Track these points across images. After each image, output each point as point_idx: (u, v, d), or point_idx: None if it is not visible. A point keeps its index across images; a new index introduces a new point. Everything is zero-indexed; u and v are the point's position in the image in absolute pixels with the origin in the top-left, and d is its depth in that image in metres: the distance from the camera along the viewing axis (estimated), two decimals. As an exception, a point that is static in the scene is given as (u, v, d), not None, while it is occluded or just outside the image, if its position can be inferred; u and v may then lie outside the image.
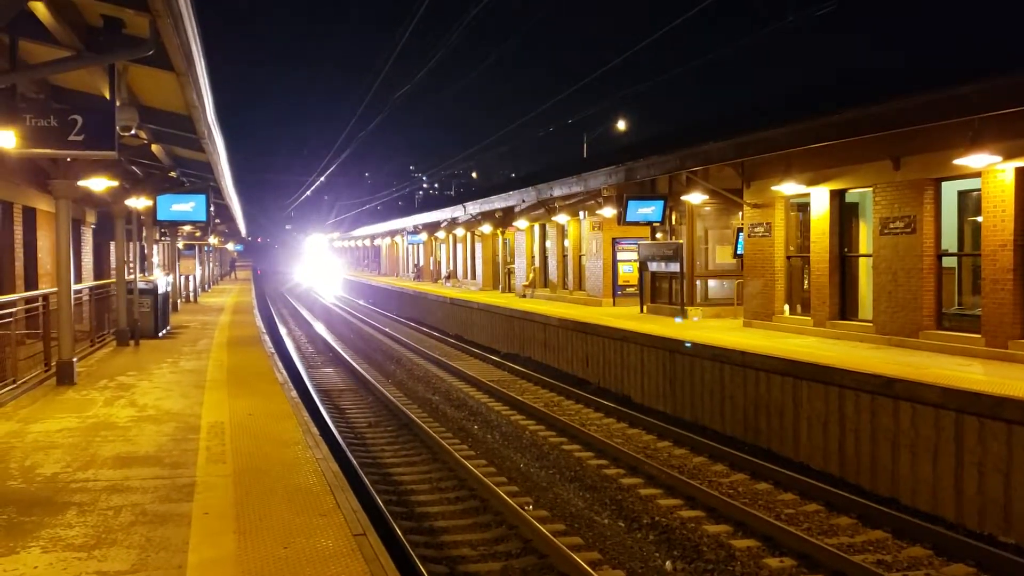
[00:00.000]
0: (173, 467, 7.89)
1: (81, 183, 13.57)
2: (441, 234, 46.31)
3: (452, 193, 57.43)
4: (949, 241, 14.71)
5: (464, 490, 11.65)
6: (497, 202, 33.77)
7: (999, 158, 12.53)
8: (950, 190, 14.59)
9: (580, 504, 11.11)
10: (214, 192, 24.75)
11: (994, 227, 12.93)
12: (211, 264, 56.12)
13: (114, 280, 19.22)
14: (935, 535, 9.57)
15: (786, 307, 18.31)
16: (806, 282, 17.88)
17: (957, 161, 12.91)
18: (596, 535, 9.93)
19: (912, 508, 10.82)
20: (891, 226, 14.90)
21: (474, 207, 37.05)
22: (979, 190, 13.33)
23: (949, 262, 14.86)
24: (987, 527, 9.91)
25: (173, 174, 19.54)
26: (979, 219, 13.51)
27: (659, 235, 23.94)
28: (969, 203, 14.60)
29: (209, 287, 50.22)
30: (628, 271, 26.38)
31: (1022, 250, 12.68)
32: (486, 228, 37.06)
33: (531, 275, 32.66)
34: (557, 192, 27.38)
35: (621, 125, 46.21)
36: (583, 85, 20.20)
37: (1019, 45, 13.20)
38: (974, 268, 14.34)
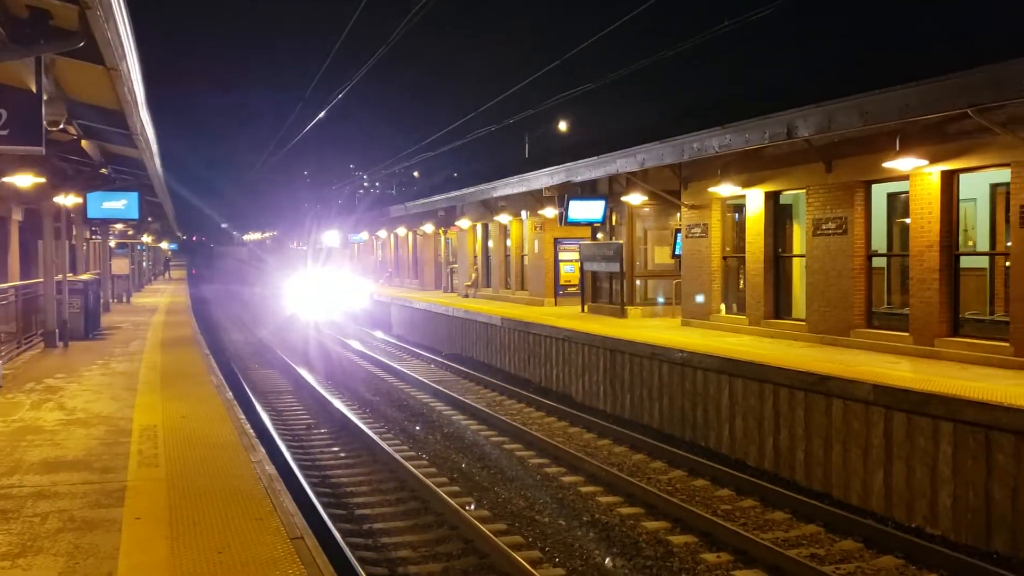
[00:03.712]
0: (103, 472, 7.68)
1: (6, 179, 13.14)
2: (383, 233, 45.98)
3: (393, 192, 56.89)
4: (879, 242, 15.10)
5: (405, 491, 11.58)
6: (440, 201, 33.67)
7: (926, 161, 12.90)
8: (880, 192, 14.97)
9: (521, 503, 11.13)
10: (147, 190, 24.20)
11: (921, 228, 13.31)
12: (145, 263, 54.87)
13: (42, 280, 18.64)
14: (866, 528, 9.82)
15: (722, 306, 18.60)
16: (742, 282, 18.18)
17: (886, 164, 13.26)
18: (537, 534, 9.97)
19: (844, 502, 11.09)
20: (823, 227, 15.24)
21: (416, 207, 36.87)
22: (907, 192, 13.71)
23: (879, 262, 15.26)
24: (915, 520, 10.20)
25: (104, 171, 19.03)
26: (907, 220, 13.89)
27: (600, 235, 24.12)
28: (898, 205, 15.01)
29: (142, 287, 49.08)
30: (570, 271, 26.55)
31: (948, 251, 13.09)
32: (428, 227, 36.90)
33: (473, 275, 32.64)
34: (499, 192, 27.41)
35: (563, 126, 46.45)
36: (525, 85, 20.23)
37: (944, 50, 13.60)
38: (902, 268, 14.74)
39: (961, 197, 13.30)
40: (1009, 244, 12.22)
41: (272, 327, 33.07)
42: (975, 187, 13.99)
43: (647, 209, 22.64)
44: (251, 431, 9.52)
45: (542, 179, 23.85)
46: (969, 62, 11.15)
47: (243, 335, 33.04)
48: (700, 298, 18.80)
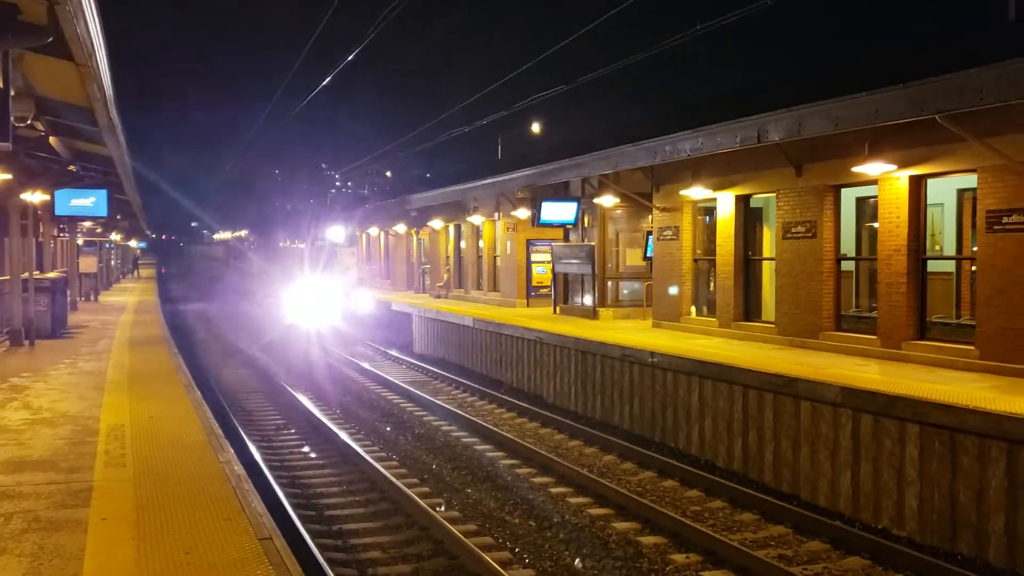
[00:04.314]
0: (69, 472, 7.59)
1: (-29, 175, 12.94)
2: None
3: (365, 192, 56.48)
4: (848, 246, 15.27)
5: (375, 492, 11.54)
6: (415, 201, 33.56)
7: (894, 166, 13.07)
8: (849, 196, 15.14)
9: (492, 504, 11.13)
10: (116, 187, 23.93)
11: (889, 232, 13.48)
12: (113, 262, 54.23)
13: (8, 277, 18.37)
14: (833, 529, 9.92)
15: (693, 308, 18.72)
16: (712, 284, 18.31)
17: (855, 168, 13.42)
18: (507, 535, 9.98)
19: (812, 504, 11.19)
20: (793, 231, 15.39)
21: (392, 207, 36.73)
22: (876, 197, 13.88)
23: (847, 266, 15.43)
24: (882, 521, 10.32)
25: (72, 168, 18.81)
26: (876, 224, 14.07)
27: (572, 237, 24.19)
28: (866, 209, 15.18)
29: (111, 286, 48.51)
30: (542, 272, 26.58)
31: (915, 255, 13.26)
32: (400, 227, 36.78)
33: (445, 275, 32.58)
34: (472, 193, 27.40)
35: (537, 128, 46.48)
36: (499, 86, 20.26)
37: (914, 58, 13.79)
38: (870, 272, 14.92)
39: (929, 202, 13.49)
40: (975, 249, 12.41)
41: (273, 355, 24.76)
42: (942, 192, 14.21)
43: (619, 211, 22.73)
44: (219, 431, 9.44)
45: (515, 180, 23.88)
46: (936, 69, 11.32)
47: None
48: (674, 290, 18.87)
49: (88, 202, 20.33)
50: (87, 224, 32.17)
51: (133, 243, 73.20)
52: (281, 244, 36.11)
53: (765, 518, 10.57)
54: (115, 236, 48.09)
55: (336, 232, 31.73)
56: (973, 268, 12.77)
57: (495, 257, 28.89)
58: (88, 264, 34.66)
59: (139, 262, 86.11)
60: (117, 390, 12.08)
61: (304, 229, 32.56)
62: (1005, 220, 11.61)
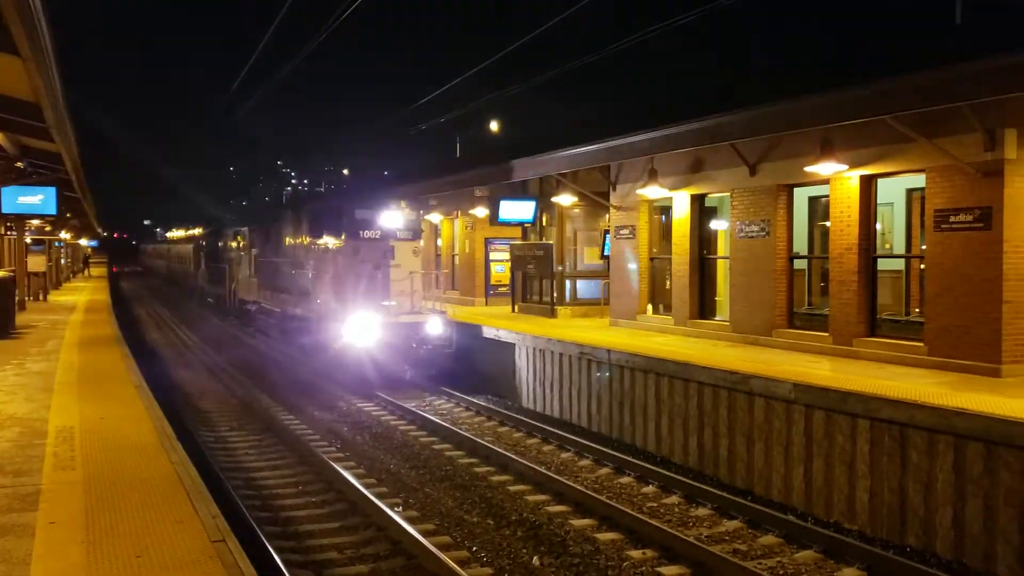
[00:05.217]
0: (16, 475, 7.42)
1: (-87, 172, 12.59)
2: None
3: (322, 189, 56.07)
4: (800, 244, 15.49)
5: (332, 492, 11.45)
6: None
7: (846, 166, 13.29)
8: (801, 196, 15.37)
9: (450, 503, 11.11)
10: (65, 184, 23.46)
11: (841, 231, 13.71)
12: (63, 260, 53.15)
13: (-48, 277, 17.93)
14: (787, 524, 10.06)
15: (649, 307, 18.86)
16: (668, 283, 18.46)
17: (808, 168, 13.61)
18: (466, 533, 9.96)
19: (766, 499, 11.36)
20: (747, 230, 15.57)
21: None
22: (828, 196, 14.10)
23: (800, 264, 15.66)
24: (833, 515, 10.50)
25: (20, 165, 18.40)
26: (828, 223, 14.29)
27: (531, 236, 24.24)
28: (819, 208, 15.42)
29: (60, 285, 47.51)
30: (501, 271, 26.61)
31: (866, 253, 13.50)
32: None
33: (403, 274, 32.37)
34: (430, 191, 27.31)
35: (494, 126, 46.48)
36: (456, 84, 20.22)
37: (864, 59, 14.01)
38: (823, 270, 15.15)
39: (879, 201, 13.74)
40: (924, 247, 12.66)
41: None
42: (892, 192, 14.48)
43: (577, 210, 22.83)
44: (171, 432, 9.30)
45: (474, 179, 23.86)
46: (887, 71, 11.52)
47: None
48: (635, 280, 19.02)
49: (36, 199, 19.91)
50: (35, 222, 31.50)
51: (84, 241, 71.80)
52: (288, 241, 23.43)
53: (720, 513, 10.69)
54: (65, 234, 47.14)
55: (393, 219, 20.67)
56: (922, 266, 13.04)
57: (454, 256, 28.85)
58: (37, 263, 33.93)
59: (90, 261, 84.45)
60: (66, 391, 11.84)
61: (337, 219, 20.64)
62: (952, 219, 11.87)
